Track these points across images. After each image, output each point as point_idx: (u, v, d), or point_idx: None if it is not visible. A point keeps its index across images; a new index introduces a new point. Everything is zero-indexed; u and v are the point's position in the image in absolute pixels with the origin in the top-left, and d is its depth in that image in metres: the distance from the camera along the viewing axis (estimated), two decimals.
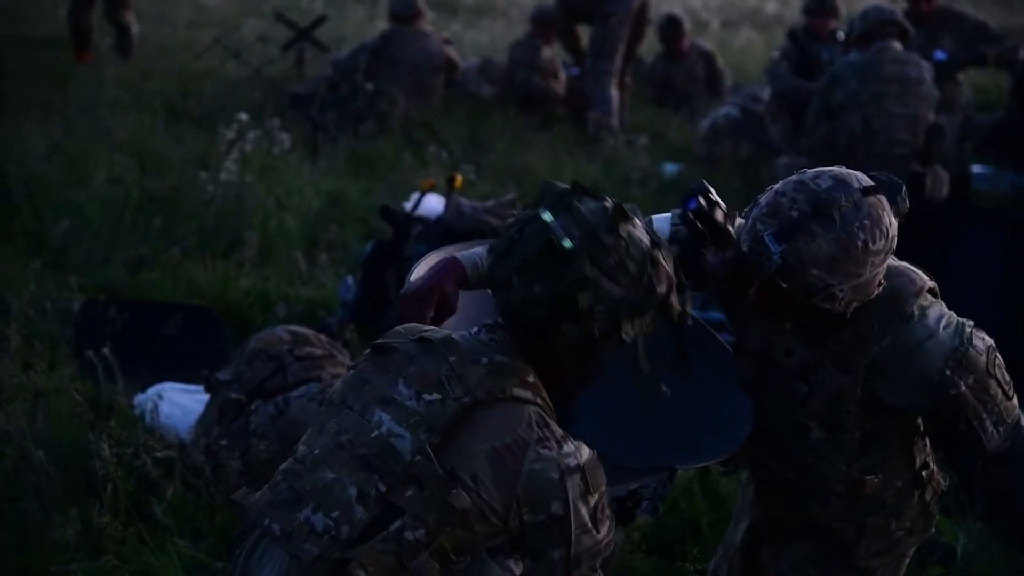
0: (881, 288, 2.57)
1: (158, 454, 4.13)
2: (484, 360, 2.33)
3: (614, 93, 9.38)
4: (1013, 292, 5.26)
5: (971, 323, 2.65)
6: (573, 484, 2.28)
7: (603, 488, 2.33)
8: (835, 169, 2.54)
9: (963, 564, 4.04)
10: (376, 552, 2.23)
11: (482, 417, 2.28)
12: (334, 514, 2.27)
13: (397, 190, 7.43)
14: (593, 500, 2.30)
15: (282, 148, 7.97)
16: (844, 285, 2.49)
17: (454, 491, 2.23)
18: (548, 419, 2.32)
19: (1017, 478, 2.71)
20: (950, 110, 7.82)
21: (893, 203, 2.54)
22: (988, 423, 2.63)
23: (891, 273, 2.62)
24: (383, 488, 2.26)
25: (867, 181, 2.52)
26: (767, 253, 2.48)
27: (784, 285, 2.49)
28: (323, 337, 4.54)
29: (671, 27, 10.48)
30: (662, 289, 2.38)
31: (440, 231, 5.63)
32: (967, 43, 7.78)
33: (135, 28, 10.70)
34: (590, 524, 2.30)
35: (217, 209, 6.93)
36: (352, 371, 2.42)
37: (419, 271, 2.65)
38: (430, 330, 2.41)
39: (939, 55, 7.69)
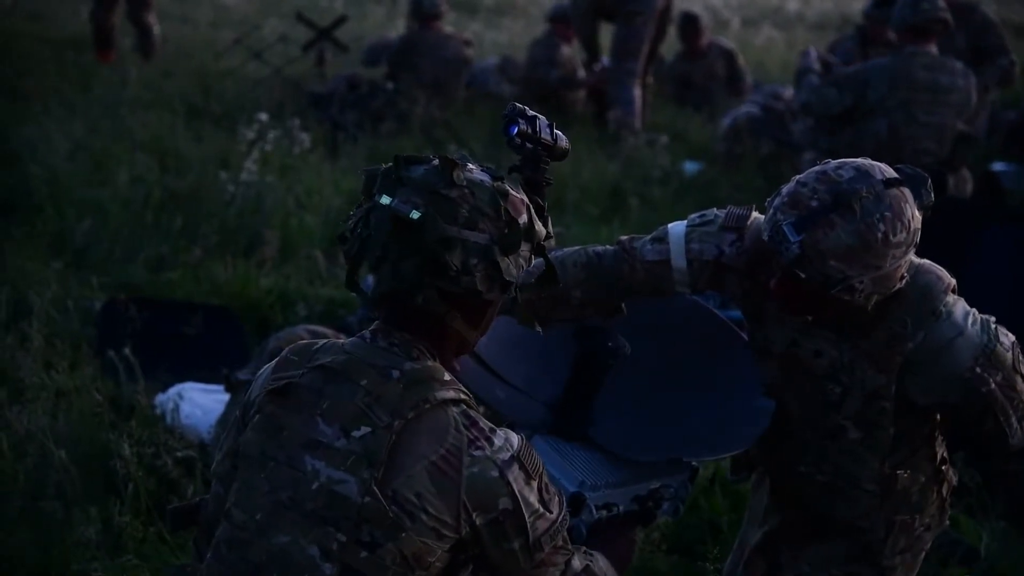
0: (904, 282, 2.55)
1: (179, 454, 4.14)
2: (395, 374, 2.26)
3: (637, 93, 9.36)
4: None
5: (994, 319, 2.64)
6: (514, 476, 2.23)
7: (542, 468, 2.29)
8: (858, 160, 2.52)
9: (986, 564, 4.02)
10: None
11: (414, 432, 2.22)
12: None
13: None
14: (536, 483, 2.26)
15: (302, 147, 7.98)
16: (863, 277, 2.46)
17: (403, 534, 2.18)
18: (473, 415, 2.27)
19: None
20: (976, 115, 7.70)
21: (918, 196, 2.51)
22: (1014, 419, 2.62)
23: (919, 270, 2.60)
24: (343, 539, 2.20)
25: (891, 173, 2.49)
26: (786, 243, 2.45)
27: (802, 275, 2.46)
28: (343, 336, 4.54)
29: (688, 25, 10.46)
30: (524, 218, 2.31)
31: None
32: (974, 40, 7.61)
33: (156, 29, 10.74)
34: (541, 508, 2.26)
35: (238, 208, 6.95)
36: (258, 417, 2.32)
37: None
38: (320, 349, 2.34)
39: None
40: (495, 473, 2.22)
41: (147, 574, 3.65)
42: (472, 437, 2.23)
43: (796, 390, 2.74)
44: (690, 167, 8.78)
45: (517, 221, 2.30)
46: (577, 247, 2.91)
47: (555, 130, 2.68)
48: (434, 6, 9.40)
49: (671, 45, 10.86)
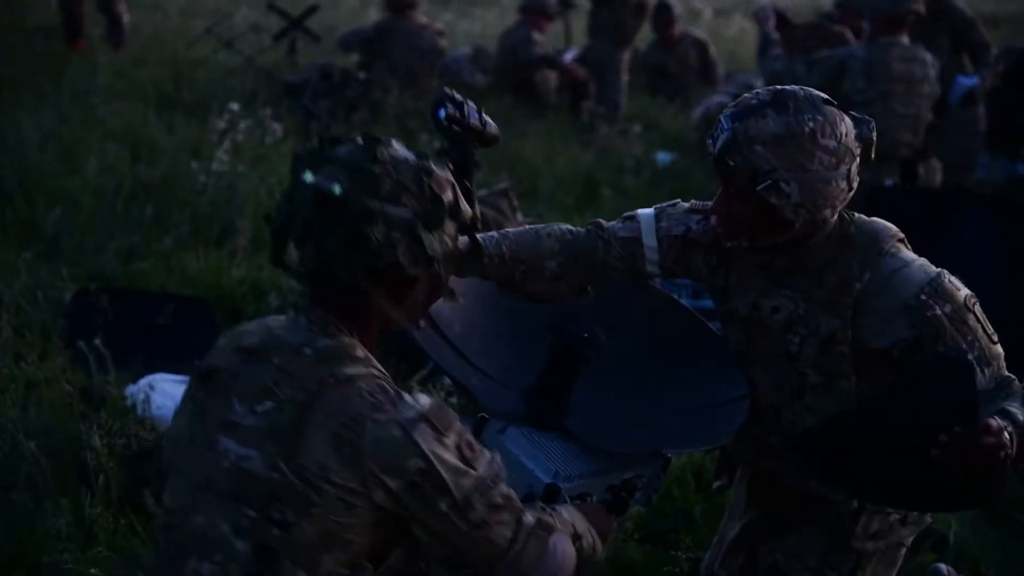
0: (846, 225, 2.68)
1: (149, 444, 4.11)
2: (307, 351, 2.27)
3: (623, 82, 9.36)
4: (1007, 278, 5.26)
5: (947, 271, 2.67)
6: (421, 434, 2.21)
7: (458, 427, 2.26)
8: None
9: (955, 549, 4.05)
10: None
11: (318, 406, 2.22)
12: (217, 558, 2.21)
13: None
14: (451, 440, 2.23)
15: (274, 137, 7.96)
16: (789, 178, 2.56)
17: (313, 510, 2.18)
18: (382, 383, 2.26)
19: None
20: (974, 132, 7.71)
21: (857, 127, 2.64)
22: (969, 356, 2.57)
23: (869, 222, 2.72)
24: (253, 515, 2.20)
25: (830, 100, 2.64)
26: (720, 131, 2.61)
27: (731, 163, 2.58)
28: None
29: (661, 13, 10.46)
30: (448, 196, 2.33)
31: None
32: (957, 42, 7.63)
33: (126, 18, 10.68)
34: (462, 466, 2.23)
35: (209, 198, 6.92)
36: (188, 404, 2.35)
37: None
38: (246, 331, 2.36)
39: (967, 81, 7.57)
40: (398, 433, 2.20)
41: (118, 565, 3.63)
42: (376, 402, 2.22)
43: (761, 352, 2.78)
44: (663, 157, 8.80)
45: (441, 198, 2.31)
46: (550, 223, 2.95)
47: (484, 116, 2.74)
48: None
49: (644, 35, 10.88)
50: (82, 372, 4.70)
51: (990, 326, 2.65)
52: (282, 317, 2.42)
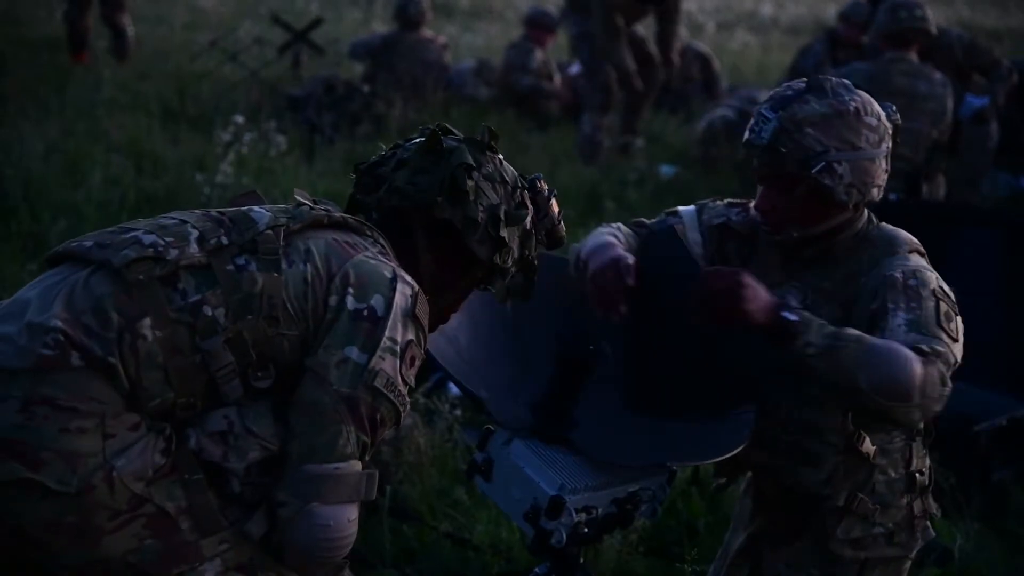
0: (876, 226, 2.72)
1: None
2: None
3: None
4: (1012, 292, 5.26)
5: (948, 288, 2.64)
6: (402, 292, 2.25)
7: (425, 329, 2.30)
8: None
9: (960, 564, 4.04)
10: (169, 319, 2.16)
11: (335, 229, 2.33)
12: (168, 239, 2.21)
13: None
14: (412, 331, 2.26)
15: (278, 150, 7.96)
16: (841, 157, 2.60)
17: (275, 275, 2.21)
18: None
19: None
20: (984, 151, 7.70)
21: (885, 111, 2.70)
22: (901, 315, 2.53)
23: (889, 228, 2.75)
24: (225, 242, 2.22)
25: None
26: (764, 123, 2.64)
27: (783, 150, 2.60)
28: None
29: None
30: (528, 221, 2.48)
31: None
32: (959, 69, 7.61)
33: (131, 31, 10.70)
34: (399, 351, 2.23)
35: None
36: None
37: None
38: None
39: (977, 101, 7.57)
40: (387, 273, 2.27)
41: None
42: (382, 253, 2.33)
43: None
44: (666, 170, 8.81)
45: (526, 209, 2.47)
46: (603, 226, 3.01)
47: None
48: (419, 12, 9.44)
49: None
50: None
51: (955, 327, 2.56)
52: None
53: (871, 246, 2.71)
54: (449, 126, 2.50)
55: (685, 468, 4.10)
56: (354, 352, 2.20)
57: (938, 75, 6.43)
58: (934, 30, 6.46)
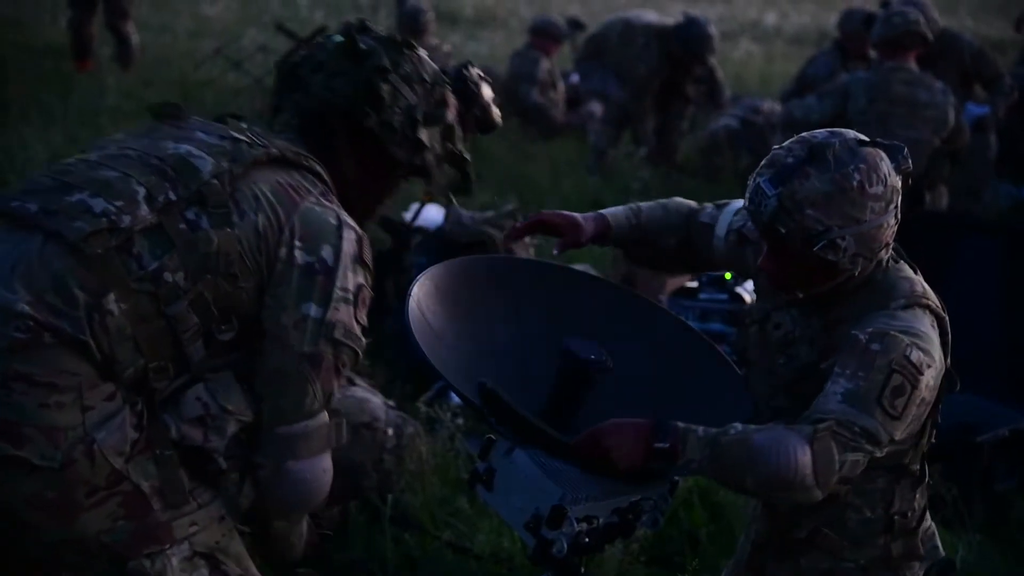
0: (886, 264, 2.58)
1: None
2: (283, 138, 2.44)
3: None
4: (1014, 302, 5.26)
5: (928, 345, 2.50)
6: (348, 238, 2.30)
7: (371, 272, 2.34)
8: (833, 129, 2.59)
9: (962, 575, 4.03)
10: (131, 289, 2.18)
11: (275, 167, 2.33)
12: (118, 203, 2.20)
13: (397, 200, 7.42)
14: (361, 275, 2.31)
15: None
16: (844, 232, 2.46)
17: (228, 230, 2.23)
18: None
19: None
20: (985, 160, 7.70)
21: (894, 160, 2.53)
22: (841, 383, 2.43)
23: (896, 278, 2.59)
24: (173, 198, 2.23)
25: (864, 137, 2.55)
26: (763, 198, 2.51)
27: (782, 230, 2.48)
28: None
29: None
30: (451, 114, 2.49)
31: (440, 242, 5.63)
32: (965, 74, 7.61)
33: (135, 38, 10.73)
34: (352, 298, 2.29)
35: None
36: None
37: None
38: None
39: (977, 109, 7.57)
40: (333, 220, 2.31)
41: None
42: (326, 196, 2.36)
43: (753, 361, 2.78)
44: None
45: (447, 106, 2.47)
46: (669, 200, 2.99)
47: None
48: (424, 21, 9.46)
49: None
50: None
51: (902, 403, 2.43)
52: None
53: (869, 293, 2.58)
54: (369, 23, 2.50)
55: (687, 478, 4.11)
56: (311, 308, 2.28)
57: (938, 83, 6.42)
58: (931, 35, 6.45)
